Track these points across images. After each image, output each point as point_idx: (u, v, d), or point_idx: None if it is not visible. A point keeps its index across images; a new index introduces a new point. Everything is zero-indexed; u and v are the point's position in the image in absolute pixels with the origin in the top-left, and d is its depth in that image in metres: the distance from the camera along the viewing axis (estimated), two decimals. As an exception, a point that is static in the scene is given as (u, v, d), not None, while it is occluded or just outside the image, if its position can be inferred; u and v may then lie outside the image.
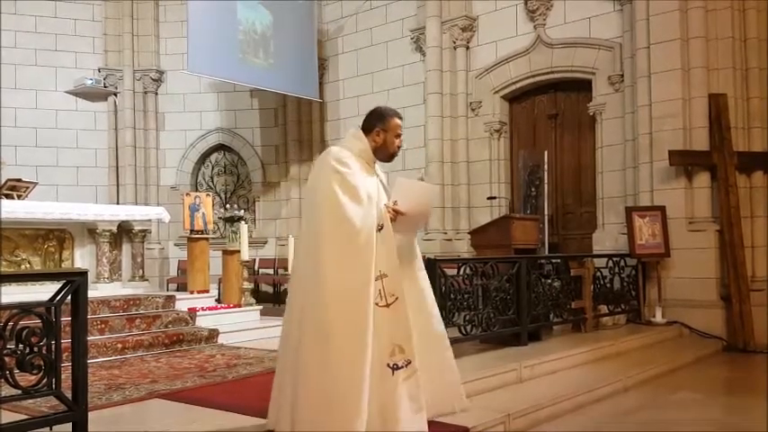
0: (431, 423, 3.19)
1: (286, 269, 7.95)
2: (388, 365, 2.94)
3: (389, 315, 2.98)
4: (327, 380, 2.84)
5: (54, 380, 2.78)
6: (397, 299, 3.00)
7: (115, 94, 11.52)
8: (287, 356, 3.07)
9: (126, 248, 7.70)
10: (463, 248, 9.21)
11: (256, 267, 11.10)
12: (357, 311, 2.88)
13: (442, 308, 4.76)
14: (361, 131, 3.24)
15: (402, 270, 3.09)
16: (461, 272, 5.26)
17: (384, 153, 3.25)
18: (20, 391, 2.71)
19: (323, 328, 2.87)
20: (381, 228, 3.02)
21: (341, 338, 2.85)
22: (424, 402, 3.01)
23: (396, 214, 3.08)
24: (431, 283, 3.42)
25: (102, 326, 5.90)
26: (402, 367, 2.96)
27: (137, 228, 7.69)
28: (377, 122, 3.22)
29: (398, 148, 3.28)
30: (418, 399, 2.99)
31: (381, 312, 2.95)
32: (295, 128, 11.58)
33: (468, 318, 5.12)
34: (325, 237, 2.93)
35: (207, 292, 7.54)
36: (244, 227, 7.60)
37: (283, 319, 3.18)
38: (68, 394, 2.85)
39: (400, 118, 3.29)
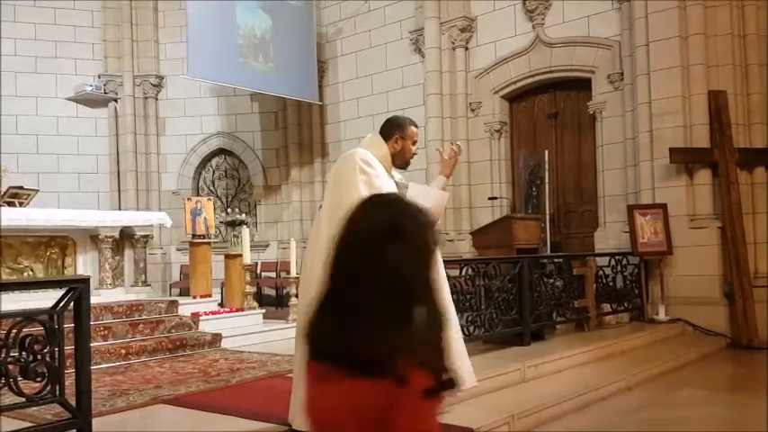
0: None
1: (288, 272, 7.94)
2: None
3: None
4: None
5: (58, 387, 2.79)
6: None
7: (116, 100, 11.52)
8: (299, 352, 3.06)
9: (128, 254, 7.71)
10: (465, 249, 9.19)
11: (258, 271, 11.09)
12: None
13: (444, 309, 4.79)
14: (380, 137, 3.29)
15: None
16: (463, 272, 5.25)
17: (401, 159, 3.35)
18: (24, 399, 2.72)
19: None
20: None
21: None
22: None
23: None
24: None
25: (106, 332, 5.90)
26: None
27: (139, 233, 7.69)
28: (396, 130, 3.31)
29: (414, 155, 3.38)
30: None
31: None
32: (295, 131, 11.59)
33: (470, 318, 5.13)
34: None
35: (209, 296, 7.55)
36: (245, 230, 7.61)
37: (297, 311, 3.19)
38: (72, 401, 2.85)
39: (417, 126, 3.40)
